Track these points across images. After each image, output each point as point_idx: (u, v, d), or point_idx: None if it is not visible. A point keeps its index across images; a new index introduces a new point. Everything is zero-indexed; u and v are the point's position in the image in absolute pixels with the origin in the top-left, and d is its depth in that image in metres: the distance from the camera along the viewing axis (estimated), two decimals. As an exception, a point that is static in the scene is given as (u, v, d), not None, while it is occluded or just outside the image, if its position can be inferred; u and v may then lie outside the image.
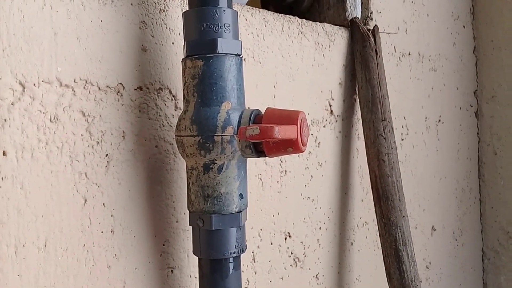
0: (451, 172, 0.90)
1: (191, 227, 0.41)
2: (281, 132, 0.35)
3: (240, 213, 0.39)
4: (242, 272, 0.50)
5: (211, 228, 0.38)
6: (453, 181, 0.90)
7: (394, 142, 0.63)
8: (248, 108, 0.50)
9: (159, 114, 0.43)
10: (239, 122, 0.38)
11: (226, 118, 0.37)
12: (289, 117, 0.37)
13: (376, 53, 0.63)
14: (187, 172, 0.39)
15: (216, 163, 0.38)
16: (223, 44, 0.38)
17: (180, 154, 0.39)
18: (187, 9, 0.39)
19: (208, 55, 0.38)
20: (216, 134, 0.37)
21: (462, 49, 0.93)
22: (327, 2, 0.69)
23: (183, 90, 0.39)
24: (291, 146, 0.37)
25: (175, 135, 0.39)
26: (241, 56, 0.40)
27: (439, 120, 0.86)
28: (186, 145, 0.38)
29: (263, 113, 0.39)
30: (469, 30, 0.96)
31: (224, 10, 0.38)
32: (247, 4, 0.58)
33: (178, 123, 0.39)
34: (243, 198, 0.40)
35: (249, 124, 0.38)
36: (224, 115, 0.37)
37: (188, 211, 0.40)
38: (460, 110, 0.93)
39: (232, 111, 0.38)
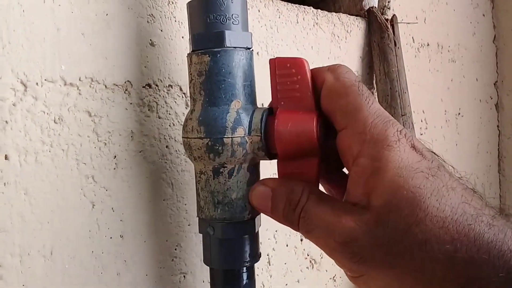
0: (471, 167, 0.87)
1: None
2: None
3: (254, 219, 0.37)
4: (257, 276, 0.48)
5: (223, 237, 0.35)
6: (472, 176, 0.87)
7: (414, 138, 0.60)
8: (262, 105, 0.47)
9: (169, 113, 0.40)
10: (250, 122, 0.35)
11: (236, 118, 0.34)
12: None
13: (395, 45, 0.60)
14: (195, 176, 0.37)
15: (226, 167, 0.35)
16: (232, 37, 0.35)
17: (188, 157, 0.37)
18: None
19: (215, 50, 0.35)
20: (225, 136, 0.34)
21: (482, 39, 0.89)
22: (342, -9, 0.65)
23: (189, 88, 0.36)
24: None
25: (182, 137, 0.36)
26: (251, 49, 0.37)
27: (459, 113, 0.83)
28: (194, 147, 0.35)
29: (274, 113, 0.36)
30: (489, 19, 0.92)
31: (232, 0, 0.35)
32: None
33: (184, 124, 0.36)
34: None
35: (260, 125, 0.35)
36: (233, 115, 0.35)
37: (197, 218, 0.38)
38: (480, 102, 0.90)
39: (242, 111, 0.35)
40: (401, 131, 0.28)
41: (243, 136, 0.35)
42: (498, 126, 0.95)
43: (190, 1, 0.36)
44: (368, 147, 0.28)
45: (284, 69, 0.35)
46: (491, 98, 0.93)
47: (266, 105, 0.47)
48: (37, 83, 0.33)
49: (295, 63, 0.35)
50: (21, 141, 0.32)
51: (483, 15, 0.90)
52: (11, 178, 0.32)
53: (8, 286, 0.31)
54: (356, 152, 0.28)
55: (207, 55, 0.35)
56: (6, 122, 0.32)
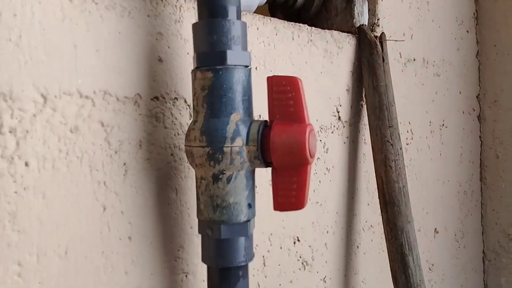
0: (454, 175, 0.91)
1: (202, 234, 0.42)
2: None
3: (248, 222, 0.40)
4: (252, 276, 0.51)
5: (220, 237, 0.39)
6: (455, 184, 0.92)
7: (400, 148, 0.64)
8: (259, 117, 0.51)
9: (175, 123, 0.44)
10: (248, 133, 0.38)
11: (235, 129, 0.38)
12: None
13: (383, 61, 0.64)
14: (196, 181, 0.40)
15: (225, 174, 0.38)
16: (233, 56, 0.38)
17: (190, 164, 0.40)
18: (197, 20, 0.40)
19: (217, 67, 0.38)
20: (225, 145, 0.38)
21: (465, 54, 0.94)
22: (335, 9, 0.69)
23: (193, 100, 0.40)
24: None
25: (185, 145, 0.40)
26: (249, 67, 0.40)
27: (443, 124, 0.87)
28: (196, 155, 0.38)
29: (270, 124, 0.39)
30: (473, 35, 0.97)
31: (233, 22, 0.38)
32: (256, 11, 0.59)
33: (187, 133, 0.39)
34: (251, 208, 0.40)
35: (257, 136, 0.38)
36: (233, 126, 0.38)
37: (197, 220, 0.41)
38: (463, 114, 0.94)
39: (240, 122, 0.38)
40: None
41: (241, 146, 0.38)
42: (480, 136, 0.99)
43: (195, 23, 0.40)
44: None
45: (280, 86, 0.39)
46: (474, 110, 0.98)
47: (263, 116, 0.50)
48: (55, 96, 0.36)
49: (290, 81, 0.39)
50: (40, 149, 0.35)
51: (467, 31, 0.95)
52: (31, 183, 0.34)
53: (26, 284, 0.34)
54: None
55: (210, 72, 0.38)
56: (27, 131, 0.34)
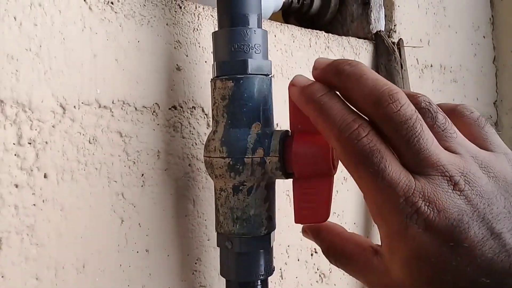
0: (471, 184, 0.89)
1: (220, 247, 0.41)
2: None
3: (269, 235, 0.39)
4: (270, 289, 0.50)
5: (240, 250, 0.38)
6: (473, 193, 0.90)
7: (419, 157, 0.62)
8: (277, 126, 0.50)
9: (192, 133, 0.43)
10: (269, 143, 0.38)
11: (256, 140, 0.37)
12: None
13: (402, 67, 0.63)
14: (215, 193, 0.39)
15: (245, 185, 0.37)
16: (254, 65, 0.37)
17: (209, 175, 0.39)
18: (217, 29, 0.39)
19: (238, 76, 0.37)
20: (246, 156, 0.37)
21: (482, 60, 0.92)
22: (351, 15, 0.68)
23: (212, 110, 0.39)
24: None
25: (204, 156, 0.39)
26: (270, 76, 0.39)
27: (460, 132, 0.86)
28: (216, 166, 0.38)
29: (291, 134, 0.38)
30: (489, 41, 0.95)
31: (254, 31, 0.38)
32: (271, 18, 0.58)
33: (207, 143, 0.38)
34: (272, 220, 0.39)
35: (278, 147, 0.37)
36: (254, 136, 0.37)
37: (216, 232, 0.40)
38: (480, 121, 0.92)
39: (261, 133, 0.37)
40: (411, 216, 0.25)
41: (263, 157, 0.37)
42: (497, 144, 0.97)
43: (215, 31, 0.39)
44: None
45: None
46: (491, 117, 0.96)
47: (280, 124, 0.49)
48: (74, 106, 0.35)
49: None
50: (59, 160, 0.34)
51: (484, 37, 0.93)
52: (49, 195, 0.34)
53: (44, 298, 0.33)
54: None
55: (231, 81, 0.37)
56: (46, 142, 0.34)
